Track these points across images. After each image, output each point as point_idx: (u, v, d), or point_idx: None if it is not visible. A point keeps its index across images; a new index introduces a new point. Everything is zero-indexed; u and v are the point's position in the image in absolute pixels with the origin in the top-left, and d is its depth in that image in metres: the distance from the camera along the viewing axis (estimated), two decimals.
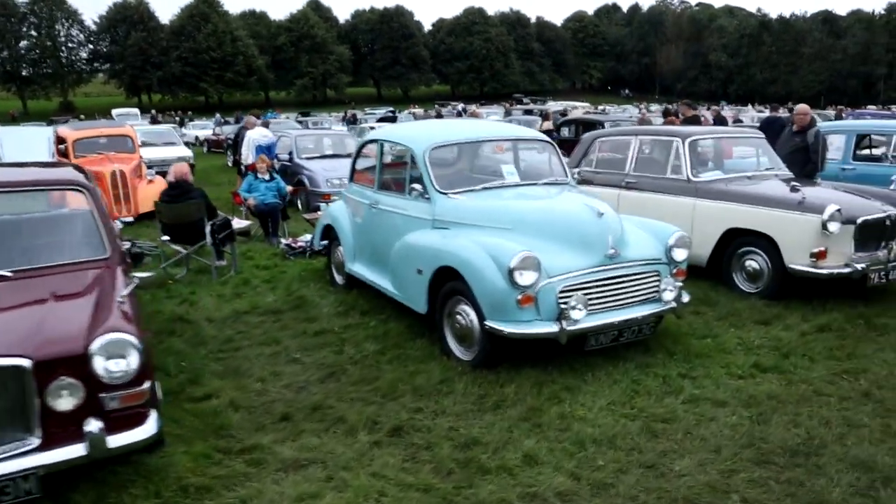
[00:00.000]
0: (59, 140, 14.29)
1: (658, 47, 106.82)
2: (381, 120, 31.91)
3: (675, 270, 5.46)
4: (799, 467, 3.83)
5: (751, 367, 5.19)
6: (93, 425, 3.42)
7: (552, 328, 4.77)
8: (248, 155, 13.61)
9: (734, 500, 3.57)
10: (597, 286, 5.01)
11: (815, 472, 3.78)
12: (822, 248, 6.43)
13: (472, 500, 3.60)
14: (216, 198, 13.78)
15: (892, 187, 7.61)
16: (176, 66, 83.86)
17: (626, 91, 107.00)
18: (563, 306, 4.78)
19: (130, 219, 12.66)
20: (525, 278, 4.72)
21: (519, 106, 45.74)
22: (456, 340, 5.39)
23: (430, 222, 5.80)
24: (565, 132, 17.80)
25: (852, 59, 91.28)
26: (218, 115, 49.47)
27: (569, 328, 4.74)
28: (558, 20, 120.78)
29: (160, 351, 5.77)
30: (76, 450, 3.41)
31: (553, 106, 40.02)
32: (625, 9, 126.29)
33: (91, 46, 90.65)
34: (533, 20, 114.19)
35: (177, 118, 49.82)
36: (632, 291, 5.18)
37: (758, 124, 14.23)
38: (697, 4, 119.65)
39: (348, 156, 9.91)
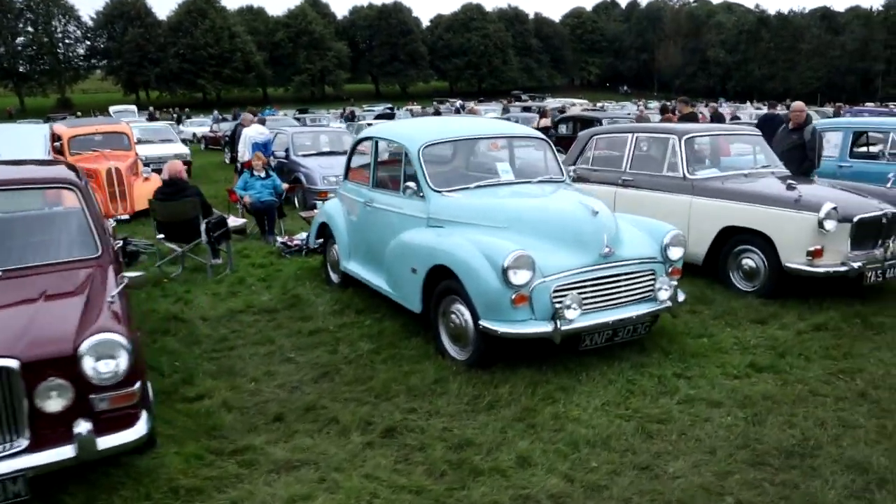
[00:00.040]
0: (55, 137, 14.25)
1: (656, 43, 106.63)
2: (379, 117, 31.84)
3: (670, 269, 5.43)
4: (794, 469, 3.81)
5: (746, 366, 5.16)
6: (82, 426, 3.39)
7: (546, 328, 4.74)
8: (244, 152, 13.57)
9: (728, 503, 3.54)
10: (591, 285, 4.98)
11: (809, 473, 3.76)
12: (819, 247, 6.41)
13: (465, 503, 3.57)
14: (214, 195, 13.79)
15: (888, 185, 7.57)
16: (173, 62, 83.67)
17: (625, 88, 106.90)
18: (557, 306, 4.75)
19: (126, 216, 12.70)
20: (519, 277, 4.69)
21: (517, 103, 45.65)
22: (450, 340, 5.36)
23: (424, 220, 5.77)
24: (563, 129, 17.79)
25: (850, 55, 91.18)
26: (216, 112, 49.48)
27: (563, 328, 4.72)
28: (556, 16, 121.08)
29: (154, 350, 5.75)
30: (65, 451, 3.38)
31: (551, 103, 39.95)
32: (623, 5, 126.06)
33: (88, 43, 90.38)
34: (531, 16, 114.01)
35: (174, 115, 49.63)
36: (627, 291, 5.15)
37: (755, 121, 14.19)
38: (695, 0, 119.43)
39: (345, 153, 9.86)
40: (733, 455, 3.94)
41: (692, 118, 12.41)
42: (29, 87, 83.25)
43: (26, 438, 3.37)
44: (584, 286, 4.95)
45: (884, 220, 6.64)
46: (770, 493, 3.61)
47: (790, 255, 6.52)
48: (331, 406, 4.68)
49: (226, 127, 29.33)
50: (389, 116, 32.10)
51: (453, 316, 5.22)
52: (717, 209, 7.16)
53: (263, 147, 13.16)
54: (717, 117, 16.31)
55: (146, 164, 15.11)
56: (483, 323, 4.83)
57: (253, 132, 13.75)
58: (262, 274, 8.32)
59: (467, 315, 5.06)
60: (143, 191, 12.42)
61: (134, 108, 50.31)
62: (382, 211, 6.39)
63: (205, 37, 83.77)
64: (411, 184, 5.90)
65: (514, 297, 4.72)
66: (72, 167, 5.65)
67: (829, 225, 6.34)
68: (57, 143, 13.97)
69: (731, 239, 7.08)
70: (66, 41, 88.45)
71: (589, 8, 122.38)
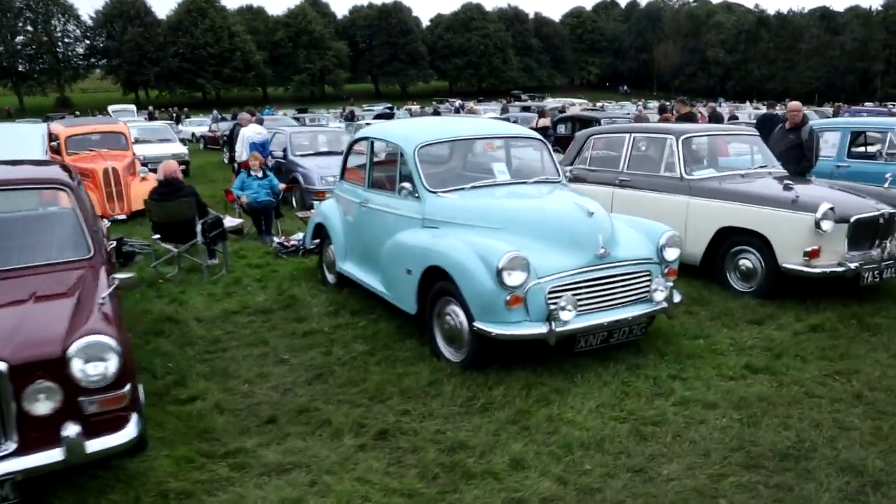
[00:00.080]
0: (52, 137, 14.22)
1: (656, 43, 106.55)
2: (378, 117, 31.81)
3: (666, 270, 5.41)
4: (788, 471, 3.78)
5: (742, 368, 5.14)
6: (70, 429, 3.37)
7: (541, 329, 4.72)
8: (241, 152, 13.52)
9: None
10: (586, 286, 4.95)
11: (804, 476, 3.73)
12: (816, 247, 6.39)
13: None
14: (212, 195, 13.79)
15: (886, 185, 7.54)
16: (173, 61, 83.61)
17: (625, 87, 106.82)
18: (552, 307, 4.72)
19: (123, 216, 12.67)
20: (513, 279, 4.67)
21: (517, 103, 45.62)
22: (445, 341, 5.33)
23: (419, 221, 5.75)
24: (562, 129, 17.80)
25: (849, 55, 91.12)
26: (215, 112, 49.43)
27: (558, 329, 4.69)
28: (556, 16, 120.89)
29: (147, 352, 5.72)
30: (53, 455, 3.35)
31: (551, 102, 39.92)
32: (623, 4, 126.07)
33: (87, 42, 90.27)
34: (531, 16, 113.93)
35: (173, 115, 49.58)
36: (622, 292, 5.12)
37: (754, 121, 14.18)
38: (695, 0, 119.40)
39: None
40: (728, 457, 3.92)
41: (690, 118, 12.39)
42: (28, 86, 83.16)
43: (14, 442, 3.34)
44: (580, 287, 4.92)
45: (881, 221, 6.61)
46: (764, 495, 3.58)
47: (787, 255, 6.50)
48: (324, 408, 4.66)
49: (225, 126, 29.29)
50: (389, 116, 32.05)
51: (448, 317, 5.20)
52: (714, 209, 7.14)
53: (261, 147, 13.11)
54: (715, 117, 16.27)
55: (144, 164, 15.07)
56: (477, 324, 4.80)
57: (250, 132, 13.70)
58: (258, 274, 8.29)
59: (462, 316, 5.03)
60: (141, 191, 12.37)
61: (133, 107, 50.25)
62: (378, 211, 6.36)
63: (204, 36, 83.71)
64: (407, 184, 5.88)
65: (508, 298, 4.69)
66: (65, 167, 5.63)
67: (826, 225, 6.32)
68: (54, 143, 13.94)
69: (728, 239, 7.05)
70: (66, 40, 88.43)
71: (589, 8, 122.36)
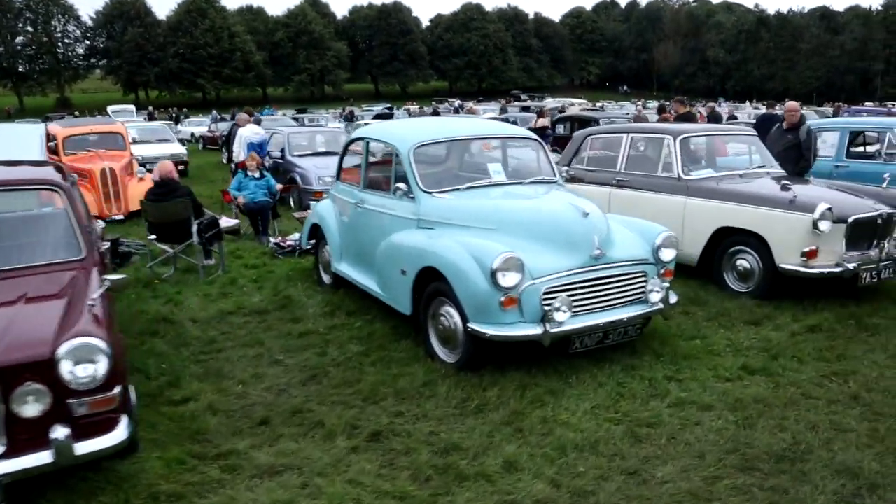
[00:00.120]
0: (49, 137, 14.19)
1: (656, 43, 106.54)
2: (378, 117, 31.79)
3: (662, 271, 5.38)
4: (784, 474, 3.75)
5: (739, 369, 5.11)
6: (59, 432, 3.34)
7: (536, 330, 4.69)
8: (239, 152, 13.50)
9: None
10: (582, 287, 4.92)
11: (799, 478, 3.70)
12: (813, 248, 6.36)
13: None
14: (210, 195, 13.77)
15: (884, 185, 7.51)
16: (173, 62, 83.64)
17: (625, 87, 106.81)
18: (546, 308, 4.70)
19: (121, 217, 12.65)
20: (508, 280, 4.64)
21: (516, 103, 45.60)
22: (440, 342, 5.31)
23: (415, 222, 5.72)
24: (560, 129, 17.75)
25: (849, 55, 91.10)
26: (214, 112, 49.42)
27: (552, 330, 4.66)
28: (556, 16, 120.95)
29: (142, 352, 5.70)
30: (42, 457, 3.33)
31: (550, 103, 39.90)
32: (622, 4, 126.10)
33: (87, 42, 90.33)
34: (531, 16, 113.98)
35: (173, 115, 49.57)
36: (618, 292, 5.09)
37: (754, 121, 14.15)
38: (695, 0, 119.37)
39: None
40: (723, 459, 3.89)
41: (688, 118, 12.36)
42: (28, 86, 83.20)
43: (2, 444, 3.32)
44: (575, 288, 4.89)
45: (879, 221, 6.58)
46: (759, 498, 3.55)
47: (784, 255, 6.47)
48: (317, 409, 4.63)
49: (224, 127, 29.30)
50: (388, 116, 32.03)
51: (443, 318, 5.17)
52: (711, 210, 7.11)
53: (259, 147, 13.09)
54: (713, 117, 16.24)
55: (142, 165, 15.06)
56: (472, 325, 4.78)
57: (248, 132, 13.67)
58: (254, 275, 8.26)
59: (456, 317, 5.00)
60: (138, 191, 12.33)
61: (132, 107, 50.25)
62: (373, 212, 6.34)
63: (204, 36, 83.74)
64: (401, 185, 5.84)
65: (502, 299, 4.67)
66: (59, 168, 5.60)
67: (824, 225, 6.29)
68: (51, 143, 13.92)
69: (726, 240, 7.02)
70: (66, 41, 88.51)
71: (588, 8, 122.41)
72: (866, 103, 47.71)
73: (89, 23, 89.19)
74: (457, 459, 3.92)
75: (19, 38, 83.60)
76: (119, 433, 3.54)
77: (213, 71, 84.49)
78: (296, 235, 9.50)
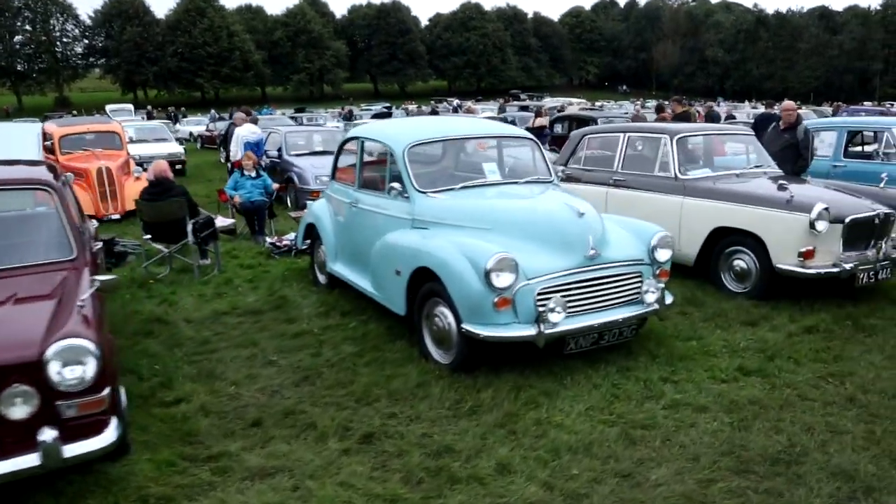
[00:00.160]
0: (46, 136, 14.15)
1: (655, 43, 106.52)
2: (376, 116, 31.75)
3: (657, 271, 5.34)
4: (779, 476, 3.72)
5: (735, 370, 5.08)
6: (47, 434, 3.31)
7: (530, 331, 4.65)
8: (236, 151, 13.45)
9: None
10: (576, 288, 4.89)
11: (795, 481, 3.67)
12: (810, 248, 6.33)
13: None
14: (208, 194, 13.74)
15: (882, 185, 7.48)
16: (172, 61, 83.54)
17: (624, 87, 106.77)
18: (541, 309, 4.66)
19: (117, 216, 12.62)
20: (502, 280, 4.61)
21: (515, 102, 45.54)
22: (434, 343, 5.27)
23: (409, 222, 5.68)
24: (558, 129, 17.74)
25: (848, 54, 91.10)
26: (213, 111, 49.36)
27: (547, 331, 4.63)
28: (555, 15, 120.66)
29: (135, 353, 5.67)
30: (29, 460, 3.29)
31: (549, 102, 39.88)
32: (621, 4, 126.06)
33: (86, 41, 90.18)
34: (530, 15, 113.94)
35: (171, 114, 49.50)
36: (613, 293, 5.06)
37: (752, 121, 14.12)
38: (694, 0, 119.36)
39: None
40: (717, 462, 3.86)
41: (686, 117, 12.32)
42: (27, 85, 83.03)
43: None
44: (569, 289, 4.86)
45: (876, 221, 6.55)
46: (754, 501, 3.52)
47: (781, 256, 6.44)
48: (310, 411, 4.60)
49: (222, 126, 29.26)
50: (386, 115, 31.98)
51: (437, 319, 5.14)
52: (708, 210, 7.07)
53: (255, 146, 13.05)
54: (711, 117, 16.21)
55: (139, 164, 15.03)
56: (465, 326, 4.74)
57: (245, 131, 13.62)
58: (250, 275, 8.22)
59: (450, 318, 4.97)
60: (135, 190, 12.21)
61: (130, 107, 50.22)
62: (368, 212, 6.30)
63: (203, 36, 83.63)
64: (396, 184, 5.81)
65: (496, 300, 4.63)
66: (51, 168, 5.56)
67: (821, 226, 6.26)
68: (48, 143, 13.88)
69: (723, 240, 6.99)
70: (64, 40, 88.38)
71: (587, 7, 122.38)
72: (865, 103, 47.65)
73: (88, 22, 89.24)
74: (449, 462, 3.89)
75: (18, 37, 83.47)
76: (108, 435, 3.51)
77: (211, 70, 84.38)
78: (292, 235, 9.46)
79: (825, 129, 10.40)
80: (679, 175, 7.46)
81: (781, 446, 4.01)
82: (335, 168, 7.41)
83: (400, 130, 6.40)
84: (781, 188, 6.88)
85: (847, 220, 6.39)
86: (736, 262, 6.90)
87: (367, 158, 6.73)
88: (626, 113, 23.83)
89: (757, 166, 7.86)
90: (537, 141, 6.68)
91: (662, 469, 3.79)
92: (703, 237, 7.08)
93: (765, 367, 5.14)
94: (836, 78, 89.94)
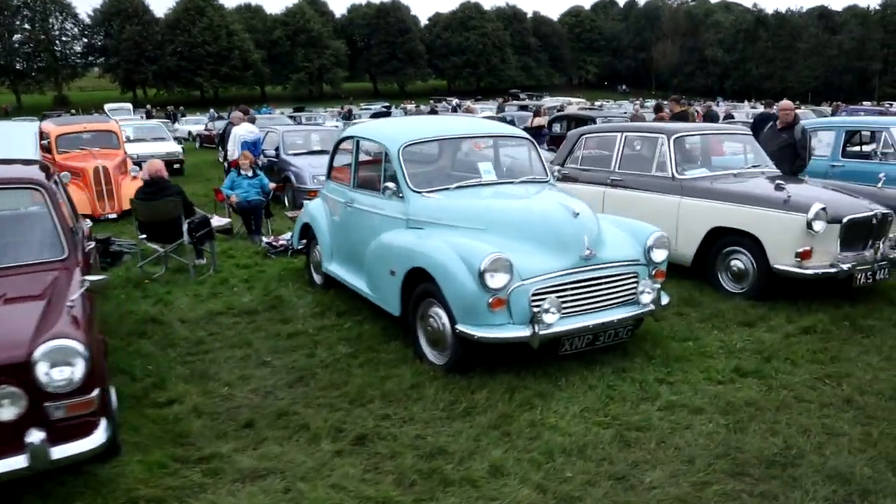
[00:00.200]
0: (42, 135, 14.11)
1: (654, 42, 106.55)
2: (375, 115, 31.70)
3: (654, 272, 5.31)
4: (774, 479, 3.68)
5: (731, 371, 5.04)
6: (35, 436, 3.27)
7: (524, 332, 4.62)
8: (233, 151, 13.41)
9: None
10: (571, 288, 4.86)
11: (790, 484, 3.64)
12: (808, 248, 6.30)
13: None
14: (205, 194, 13.70)
15: (879, 185, 7.45)
16: (171, 60, 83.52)
17: (623, 86, 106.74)
18: (535, 309, 4.63)
19: (114, 215, 12.58)
20: (496, 281, 4.57)
21: (514, 102, 45.51)
22: (429, 344, 5.24)
23: (404, 222, 5.65)
24: (557, 128, 17.70)
25: (847, 54, 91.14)
26: (212, 111, 49.31)
27: (541, 332, 4.59)
28: (554, 15, 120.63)
29: (128, 353, 5.64)
30: (17, 461, 3.26)
31: (549, 102, 39.84)
32: (621, 4, 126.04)
33: (85, 40, 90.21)
34: (529, 15, 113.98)
35: (170, 113, 49.44)
36: (608, 294, 5.03)
37: (751, 121, 14.10)
38: (693, 0, 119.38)
39: None
40: (712, 464, 3.82)
41: (684, 117, 12.28)
42: (26, 84, 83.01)
43: None
44: (564, 289, 4.83)
45: (874, 221, 6.53)
46: None
47: (779, 256, 6.41)
48: (303, 412, 4.56)
49: (221, 125, 29.21)
50: (386, 115, 31.94)
51: (431, 319, 5.10)
52: (705, 210, 7.04)
53: (252, 146, 13.01)
54: (709, 116, 16.17)
55: (137, 163, 14.97)
56: (460, 327, 4.71)
57: (242, 130, 13.57)
58: (246, 275, 8.19)
59: (445, 319, 4.93)
60: (131, 190, 12.18)
61: (129, 105, 50.17)
62: (363, 212, 6.27)
63: (202, 34, 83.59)
64: (391, 184, 5.77)
65: (490, 300, 4.60)
66: (44, 167, 5.52)
67: (818, 226, 6.23)
68: (44, 142, 13.84)
69: (720, 240, 6.96)
70: (64, 38, 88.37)
71: (587, 7, 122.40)
72: (864, 103, 47.64)
73: (87, 20, 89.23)
74: (442, 464, 3.85)
75: (17, 36, 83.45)
76: (97, 437, 3.48)
77: (211, 69, 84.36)
78: (288, 235, 9.43)
79: (823, 128, 10.37)
80: (676, 175, 7.43)
81: (777, 448, 3.98)
82: (331, 167, 7.38)
83: (395, 130, 6.37)
84: (779, 188, 6.84)
85: (844, 220, 6.36)
86: (733, 263, 6.87)
87: (362, 158, 6.69)
88: (626, 113, 23.78)
89: (754, 166, 7.82)
90: (533, 140, 6.64)
91: (657, 471, 3.76)
92: (701, 237, 7.05)
93: (761, 368, 5.11)
94: (836, 78, 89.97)
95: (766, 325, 6.04)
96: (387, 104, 50.45)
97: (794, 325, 6.00)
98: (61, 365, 3.35)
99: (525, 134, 6.83)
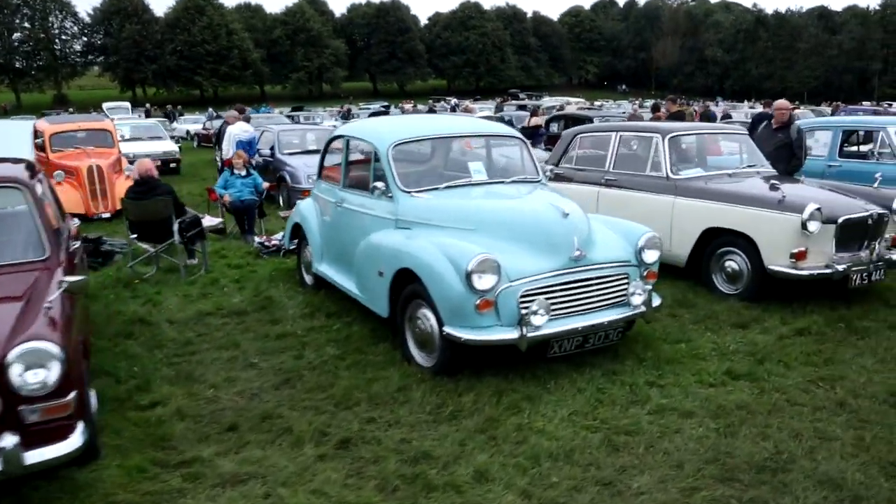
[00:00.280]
0: (36, 134, 14.06)
1: (654, 42, 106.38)
2: (374, 115, 31.63)
3: (645, 273, 5.24)
4: (764, 485, 3.61)
5: (723, 374, 4.97)
6: (7, 440, 3.22)
7: (512, 334, 4.55)
8: (228, 150, 13.34)
9: None
10: (561, 290, 4.79)
11: (780, 489, 3.57)
12: (802, 249, 6.23)
13: None
14: (200, 193, 13.62)
15: (875, 185, 7.38)
16: (170, 59, 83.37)
17: (623, 86, 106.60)
18: (524, 311, 4.56)
19: (108, 214, 12.50)
20: (483, 282, 4.50)
21: (513, 102, 45.41)
22: (417, 346, 5.17)
23: (393, 222, 5.58)
24: (554, 128, 17.61)
25: (847, 54, 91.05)
26: (210, 110, 49.16)
27: (529, 334, 4.53)
28: (554, 15, 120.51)
29: (114, 354, 5.58)
30: None
31: (548, 101, 39.76)
32: (621, 3, 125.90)
33: (85, 39, 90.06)
34: (529, 15, 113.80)
35: (168, 112, 49.33)
36: (598, 295, 4.96)
37: (750, 121, 14.02)
38: (693, 0, 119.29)
39: None
40: (701, 470, 3.76)
41: (680, 116, 12.22)
42: (25, 83, 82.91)
43: None
44: (553, 291, 4.76)
45: (870, 222, 6.45)
46: None
47: (773, 257, 6.34)
48: (288, 415, 4.49)
49: (218, 125, 29.11)
50: (384, 114, 31.86)
51: (419, 321, 5.03)
52: (699, 210, 6.97)
53: (248, 145, 12.94)
54: (707, 116, 16.11)
55: (131, 162, 14.90)
56: (447, 329, 4.64)
57: (237, 130, 13.51)
58: (237, 275, 8.11)
59: (432, 320, 4.87)
60: (125, 189, 12.20)
61: (127, 104, 49.97)
62: (353, 212, 6.20)
63: (202, 34, 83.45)
64: (379, 184, 5.70)
65: (478, 302, 4.53)
66: (30, 166, 5.45)
67: (813, 226, 6.16)
68: (38, 140, 13.79)
69: (714, 240, 6.89)
70: (63, 37, 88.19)
71: (587, 7, 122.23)
72: (864, 103, 47.54)
73: (87, 19, 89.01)
74: (426, 468, 3.78)
75: (16, 35, 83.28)
76: (73, 441, 3.42)
77: (210, 68, 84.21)
78: (281, 235, 9.35)
79: (820, 128, 10.31)
80: (671, 175, 7.36)
81: (768, 453, 3.91)
82: (321, 167, 7.31)
83: (385, 129, 6.31)
84: (773, 188, 6.78)
85: (840, 220, 6.29)
86: (728, 263, 6.80)
87: (352, 157, 6.63)
88: (624, 112, 23.69)
89: (750, 166, 7.76)
90: (525, 140, 6.57)
91: (645, 477, 3.69)
92: (695, 238, 6.98)
93: (754, 370, 5.04)
94: (836, 78, 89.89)
95: (760, 327, 5.97)
96: (385, 104, 50.31)
97: (789, 327, 5.94)
98: (35, 367, 3.29)
99: (517, 133, 6.77)
